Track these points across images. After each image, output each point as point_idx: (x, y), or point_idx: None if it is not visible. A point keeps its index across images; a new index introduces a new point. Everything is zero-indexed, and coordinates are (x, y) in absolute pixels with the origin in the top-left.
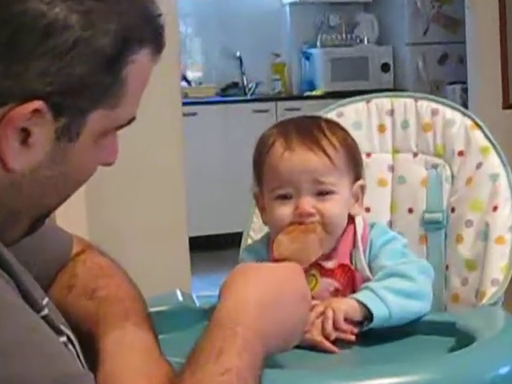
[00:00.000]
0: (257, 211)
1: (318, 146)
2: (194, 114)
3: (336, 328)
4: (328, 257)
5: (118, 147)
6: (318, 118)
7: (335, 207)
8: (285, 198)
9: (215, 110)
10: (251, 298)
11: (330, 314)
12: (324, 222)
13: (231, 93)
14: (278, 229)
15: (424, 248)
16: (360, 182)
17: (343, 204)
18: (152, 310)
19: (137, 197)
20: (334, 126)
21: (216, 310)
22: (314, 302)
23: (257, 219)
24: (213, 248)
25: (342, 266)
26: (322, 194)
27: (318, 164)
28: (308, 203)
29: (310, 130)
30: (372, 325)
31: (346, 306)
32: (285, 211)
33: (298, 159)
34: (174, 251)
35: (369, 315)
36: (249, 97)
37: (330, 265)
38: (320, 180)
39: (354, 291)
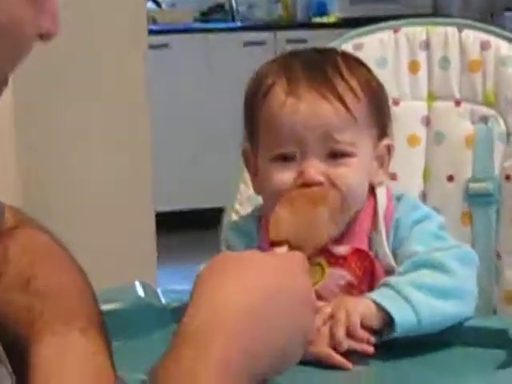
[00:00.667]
0: (245, 176)
1: (333, 91)
2: (164, 46)
3: (350, 335)
4: (339, 240)
5: (58, 12)
6: (333, 51)
7: (352, 175)
8: (285, 159)
9: (193, 40)
10: (233, 304)
11: (341, 316)
12: None
13: (215, 18)
14: (274, 200)
15: (468, 230)
16: (386, 142)
17: (363, 170)
18: (104, 307)
19: (86, 155)
20: (355, 64)
21: (185, 319)
22: (320, 303)
23: (245, 187)
24: (186, 227)
25: (357, 252)
26: (336, 156)
27: (332, 116)
28: (316, 168)
29: (323, 69)
30: (395, 334)
31: (363, 307)
32: (284, 177)
33: (306, 108)
34: (134, 231)
35: (390, 321)
36: (238, 24)
37: (341, 250)
38: (334, 137)
39: (373, 286)
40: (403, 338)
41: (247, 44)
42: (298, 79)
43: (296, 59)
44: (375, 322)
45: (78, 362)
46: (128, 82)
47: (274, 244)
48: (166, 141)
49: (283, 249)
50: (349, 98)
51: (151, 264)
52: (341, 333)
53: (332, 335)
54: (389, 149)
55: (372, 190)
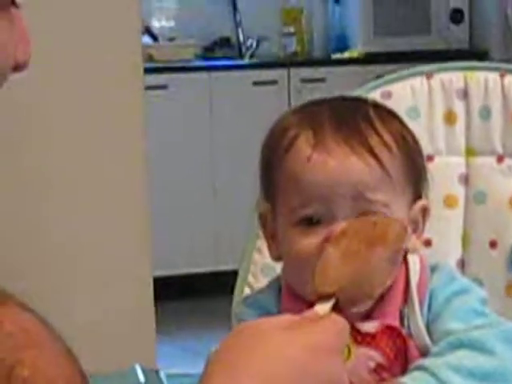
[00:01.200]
0: (260, 244)
1: (366, 144)
2: (163, 88)
3: None
4: (367, 315)
5: (28, 36)
6: (363, 100)
7: None
8: (310, 222)
9: (195, 80)
10: None
11: None
12: None
13: (220, 54)
14: (297, 270)
15: None
16: (422, 203)
17: None
18: None
19: (73, 210)
20: (388, 116)
21: None
22: None
23: (260, 256)
24: (189, 294)
25: (388, 329)
26: None
27: (364, 173)
28: None
29: (354, 121)
30: None
31: None
32: (310, 243)
33: (335, 164)
34: (128, 298)
35: None
36: (247, 61)
37: (370, 328)
38: (366, 196)
39: (406, 368)
40: None
41: (256, 84)
42: (325, 131)
43: (321, 109)
44: None
45: None
46: (122, 130)
47: (317, 299)
48: (165, 199)
49: (326, 306)
50: (383, 154)
51: (149, 337)
52: None
53: None
54: (424, 211)
55: (404, 258)
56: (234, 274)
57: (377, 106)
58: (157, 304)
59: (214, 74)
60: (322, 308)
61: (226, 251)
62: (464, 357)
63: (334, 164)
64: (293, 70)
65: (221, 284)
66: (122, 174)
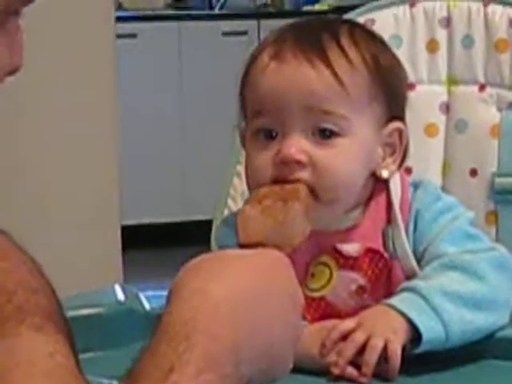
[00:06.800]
0: (239, 170)
1: (323, 57)
2: (132, 36)
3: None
4: (348, 236)
5: (23, 45)
6: (342, 20)
7: (341, 159)
8: (269, 135)
9: (165, 29)
10: (217, 297)
11: (378, 344)
12: (315, 180)
13: (189, 4)
14: (254, 184)
15: (493, 231)
16: (396, 125)
17: (357, 155)
18: (79, 313)
19: (44, 157)
20: (363, 36)
21: (165, 313)
22: (346, 324)
23: (239, 181)
24: (158, 243)
25: (370, 251)
26: (325, 134)
27: (318, 84)
28: (296, 145)
29: (317, 35)
30: (418, 350)
31: (402, 331)
32: (265, 158)
33: (288, 73)
34: (97, 246)
35: (416, 335)
36: (217, 11)
37: (351, 250)
38: (321, 107)
39: (389, 290)
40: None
41: (226, 34)
42: (286, 44)
43: (292, 27)
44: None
45: (35, 362)
46: (92, 78)
47: (246, 248)
48: (133, 148)
49: None
50: (341, 66)
51: (117, 281)
52: (372, 361)
53: (363, 363)
54: (400, 134)
55: (384, 180)
56: (202, 223)
57: (356, 25)
58: (124, 253)
59: (184, 24)
60: None
61: (195, 201)
62: (456, 281)
63: (286, 72)
64: (263, 22)
65: (189, 234)
66: (92, 122)
